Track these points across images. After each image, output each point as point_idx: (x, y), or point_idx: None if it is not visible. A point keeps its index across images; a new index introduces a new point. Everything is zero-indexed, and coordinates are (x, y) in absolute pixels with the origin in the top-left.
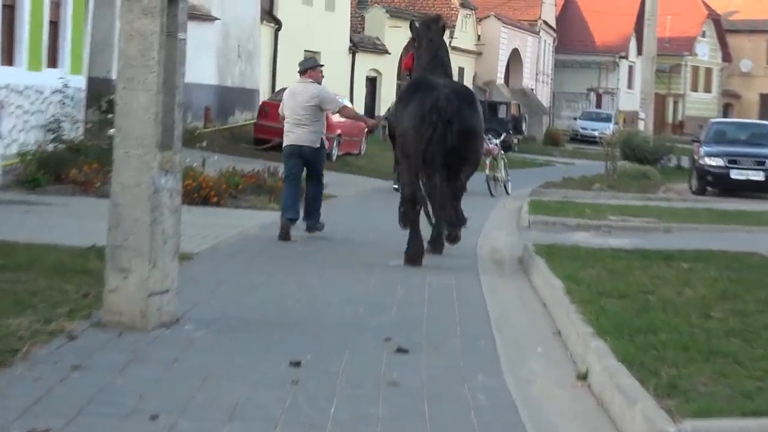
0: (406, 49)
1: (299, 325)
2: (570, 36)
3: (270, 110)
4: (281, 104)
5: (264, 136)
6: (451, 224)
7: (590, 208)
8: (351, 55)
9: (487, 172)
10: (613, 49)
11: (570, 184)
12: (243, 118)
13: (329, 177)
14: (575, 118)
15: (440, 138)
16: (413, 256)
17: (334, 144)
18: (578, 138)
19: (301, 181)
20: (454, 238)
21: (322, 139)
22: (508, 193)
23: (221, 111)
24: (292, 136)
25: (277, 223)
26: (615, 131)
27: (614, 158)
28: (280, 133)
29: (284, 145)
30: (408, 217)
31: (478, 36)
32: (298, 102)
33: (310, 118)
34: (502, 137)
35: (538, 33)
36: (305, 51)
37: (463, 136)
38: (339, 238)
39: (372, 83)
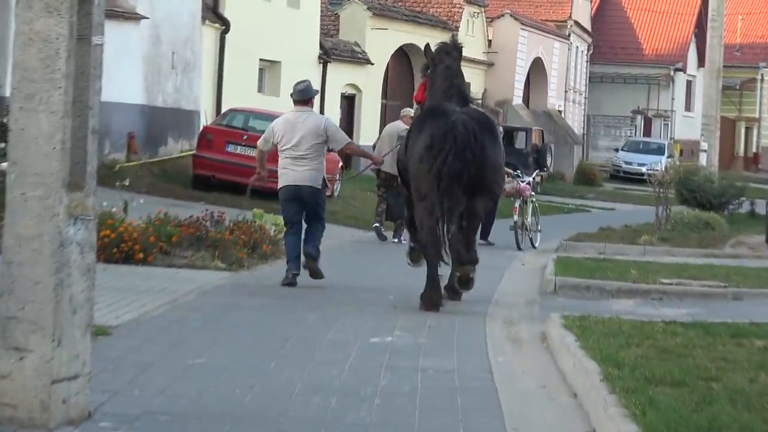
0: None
1: (250, 422)
2: (610, 42)
3: (214, 138)
4: (270, 134)
5: (205, 171)
6: (460, 262)
7: (636, 267)
8: (321, 66)
9: (515, 218)
10: (667, 59)
11: (609, 235)
12: (178, 148)
13: None
14: (616, 150)
15: (454, 169)
16: (429, 302)
17: None
18: (620, 175)
19: (302, 228)
20: (465, 282)
21: (324, 177)
22: (534, 247)
23: (149, 139)
24: (291, 174)
25: (222, 285)
26: (669, 167)
27: (668, 202)
28: (225, 168)
29: (280, 186)
30: (420, 256)
31: (489, 41)
32: (300, 135)
33: (314, 155)
34: (535, 174)
35: (567, 37)
36: (261, 60)
37: (479, 166)
38: (306, 306)
39: (349, 103)
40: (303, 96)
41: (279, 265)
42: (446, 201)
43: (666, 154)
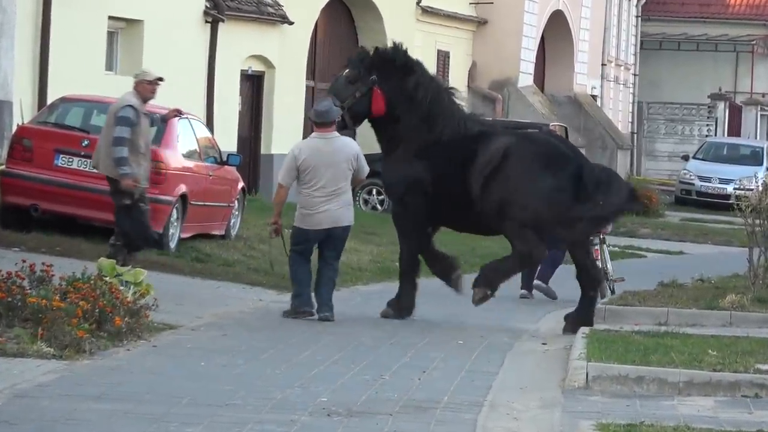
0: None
1: None
2: None
3: (36, 145)
4: (293, 165)
5: (22, 198)
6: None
7: (717, 346)
8: (209, 28)
9: (598, 264)
10: (765, 12)
11: (675, 295)
12: None
13: (161, 283)
14: (686, 158)
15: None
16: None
17: (171, 217)
18: (692, 198)
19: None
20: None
21: None
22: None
23: None
24: (325, 216)
25: (51, 381)
26: None
27: None
28: (54, 193)
29: (307, 227)
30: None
31: None
32: (333, 169)
33: (346, 187)
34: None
35: None
36: (111, 18)
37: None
38: (184, 415)
39: (254, 86)
40: (326, 118)
41: (141, 348)
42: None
43: (765, 164)
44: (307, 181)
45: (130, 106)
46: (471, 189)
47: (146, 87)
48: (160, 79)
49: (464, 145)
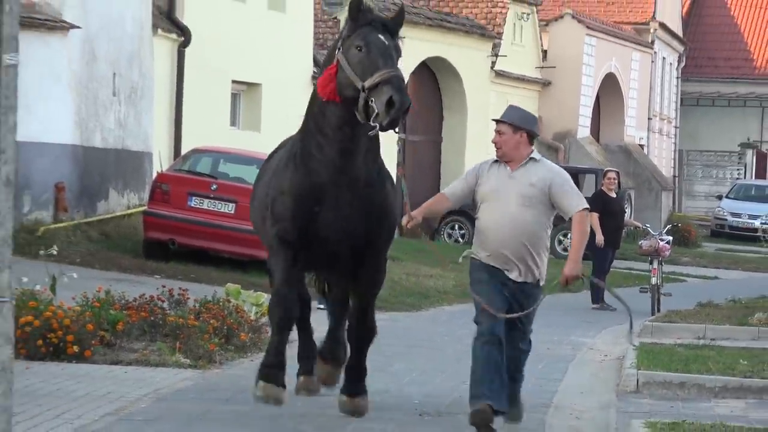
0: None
1: None
2: (709, 50)
3: (173, 189)
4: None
5: (161, 234)
6: None
7: (748, 356)
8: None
9: (654, 280)
10: None
11: (711, 314)
12: (124, 203)
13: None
14: (719, 197)
15: None
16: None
17: None
18: (725, 232)
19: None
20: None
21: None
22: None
23: (84, 192)
24: None
25: (186, 387)
26: None
27: None
28: (188, 230)
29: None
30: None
31: (544, 52)
32: None
33: None
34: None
35: (651, 45)
36: (234, 82)
37: None
38: (299, 415)
39: None
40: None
41: (261, 359)
42: None
43: None
44: None
45: None
46: None
47: None
48: None
49: None
